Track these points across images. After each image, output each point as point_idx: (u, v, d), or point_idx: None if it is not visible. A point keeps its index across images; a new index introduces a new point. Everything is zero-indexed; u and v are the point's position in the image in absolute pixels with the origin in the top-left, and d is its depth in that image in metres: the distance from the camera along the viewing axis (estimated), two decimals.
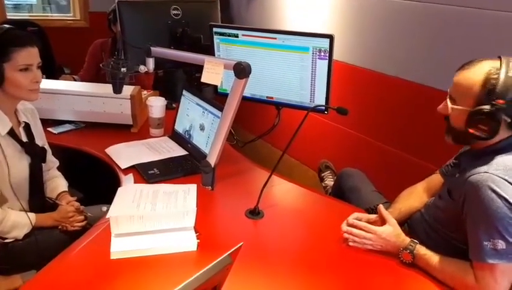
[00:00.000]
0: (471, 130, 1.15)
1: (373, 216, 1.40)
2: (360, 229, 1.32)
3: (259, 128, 2.21)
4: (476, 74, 1.15)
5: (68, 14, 4.02)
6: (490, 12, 1.86)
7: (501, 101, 1.09)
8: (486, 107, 1.11)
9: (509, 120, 1.12)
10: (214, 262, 0.91)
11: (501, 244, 1.10)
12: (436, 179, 1.50)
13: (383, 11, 2.37)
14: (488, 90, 1.11)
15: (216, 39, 1.93)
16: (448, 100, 1.22)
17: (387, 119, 2.44)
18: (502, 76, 1.10)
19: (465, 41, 1.96)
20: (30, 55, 1.39)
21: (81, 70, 2.74)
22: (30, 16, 4.07)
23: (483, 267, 1.13)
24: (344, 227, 1.35)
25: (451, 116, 1.22)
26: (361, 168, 1.93)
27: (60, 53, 3.33)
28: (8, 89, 1.39)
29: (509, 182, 1.10)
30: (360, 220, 1.36)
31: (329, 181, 2.20)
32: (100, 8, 3.78)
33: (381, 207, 1.38)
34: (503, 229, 1.09)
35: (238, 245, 0.99)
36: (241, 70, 1.40)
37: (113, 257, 1.20)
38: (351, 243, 1.32)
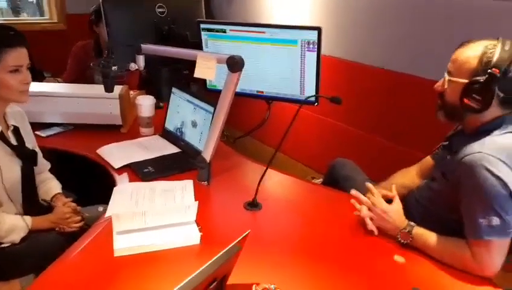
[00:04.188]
0: (466, 101, 1.19)
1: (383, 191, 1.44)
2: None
3: (249, 126, 2.22)
4: (474, 49, 1.20)
5: (44, 17, 3.94)
6: (475, 1, 1.93)
7: (496, 70, 1.14)
8: (482, 77, 1.16)
9: (501, 95, 1.17)
10: (225, 250, 0.93)
11: (496, 221, 1.14)
12: (428, 162, 1.55)
13: (367, 3, 2.42)
14: (485, 62, 1.17)
15: (204, 35, 1.93)
16: (445, 74, 1.27)
17: (375, 110, 2.49)
18: (498, 50, 1.16)
19: (449, 30, 2.02)
20: (20, 56, 1.37)
21: (64, 73, 2.70)
22: (5, 20, 3.97)
23: (480, 244, 1.17)
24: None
25: (446, 90, 1.27)
26: (350, 159, 1.96)
27: (37, 57, 3.26)
28: None
29: (503, 161, 1.15)
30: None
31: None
32: (76, 10, 3.73)
33: (393, 187, 1.42)
34: (498, 206, 1.14)
35: (246, 233, 1.00)
36: (235, 64, 1.41)
37: (116, 254, 1.19)
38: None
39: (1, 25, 1.42)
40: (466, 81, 1.20)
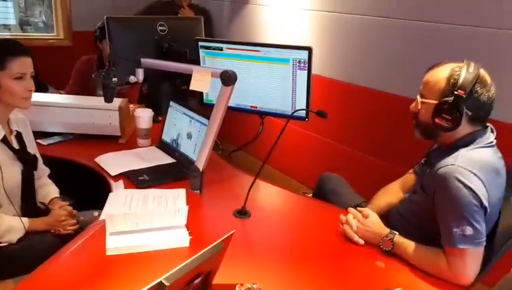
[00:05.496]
0: (437, 120, 1.28)
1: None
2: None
3: (243, 141, 2.29)
4: (442, 71, 1.30)
5: (51, 34, 4.08)
6: (456, 27, 2.06)
7: (461, 92, 1.23)
8: (450, 98, 1.25)
9: (470, 113, 1.26)
10: (208, 247, 0.99)
11: (469, 230, 1.21)
12: (410, 177, 1.62)
13: (359, 26, 2.54)
14: (452, 84, 1.26)
15: (202, 52, 2.03)
16: (418, 97, 1.36)
17: (367, 129, 2.58)
18: (464, 72, 1.26)
19: (430, 53, 2.13)
20: (24, 64, 1.46)
21: (67, 86, 2.80)
22: (11, 35, 4.11)
23: (454, 253, 1.23)
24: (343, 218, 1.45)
25: (420, 111, 1.36)
26: (343, 175, 2.03)
27: (43, 71, 3.36)
28: (2, 97, 1.46)
29: (473, 173, 1.22)
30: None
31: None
32: (82, 27, 3.87)
33: (359, 209, 1.48)
34: (470, 216, 1.21)
35: (230, 233, 1.07)
36: (228, 78, 1.50)
37: (108, 253, 1.25)
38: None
39: (7, 38, 1.51)
40: (436, 102, 1.28)
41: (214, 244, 1.01)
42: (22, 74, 1.47)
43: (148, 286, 0.85)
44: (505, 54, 1.91)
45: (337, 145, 2.75)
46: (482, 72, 1.28)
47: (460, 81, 1.24)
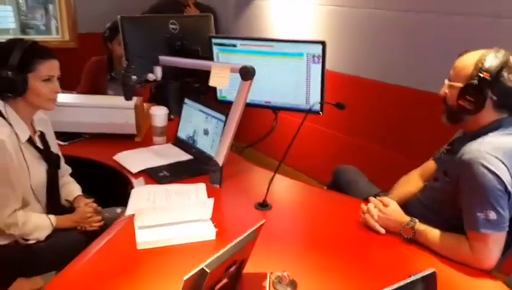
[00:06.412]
0: (460, 102, 1.31)
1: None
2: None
3: (252, 138, 2.31)
4: (471, 57, 1.33)
5: (56, 36, 4.11)
6: (470, 18, 2.09)
7: (486, 74, 1.27)
8: (475, 80, 1.28)
9: (495, 98, 1.28)
10: (244, 234, 1.02)
11: (492, 215, 1.23)
12: (430, 165, 1.64)
13: (363, 20, 2.56)
14: (479, 68, 1.29)
15: (215, 49, 2.05)
16: (446, 80, 1.40)
17: (377, 122, 2.61)
18: (491, 57, 1.29)
19: (445, 46, 2.16)
20: (53, 67, 1.49)
21: (78, 86, 2.82)
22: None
23: (477, 237, 1.26)
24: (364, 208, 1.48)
25: (447, 95, 1.39)
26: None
27: None
28: (29, 98, 1.48)
29: (498, 159, 1.25)
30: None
31: None
32: (88, 29, 3.90)
33: (379, 198, 1.50)
34: (494, 201, 1.23)
35: (261, 222, 1.10)
36: (247, 73, 1.53)
37: (139, 247, 1.27)
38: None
39: (36, 41, 1.53)
40: (462, 85, 1.32)
41: (249, 232, 1.03)
42: (50, 76, 1.50)
43: (191, 273, 0.88)
44: None
45: (347, 139, 2.78)
46: None
47: (487, 64, 1.28)
